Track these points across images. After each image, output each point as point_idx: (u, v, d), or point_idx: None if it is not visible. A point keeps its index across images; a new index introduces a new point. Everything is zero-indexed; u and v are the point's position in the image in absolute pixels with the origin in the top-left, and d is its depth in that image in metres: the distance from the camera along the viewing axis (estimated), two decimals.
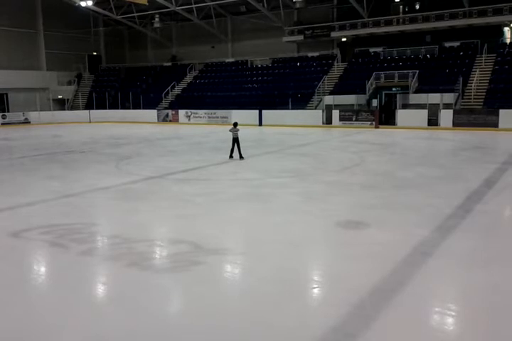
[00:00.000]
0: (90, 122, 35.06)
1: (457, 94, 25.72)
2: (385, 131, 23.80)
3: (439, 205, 8.08)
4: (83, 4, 35.75)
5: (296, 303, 4.53)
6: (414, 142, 19.18)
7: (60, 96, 39.06)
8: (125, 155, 15.46)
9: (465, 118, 23.75)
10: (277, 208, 8.22)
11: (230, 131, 13.98)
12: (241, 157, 13.81)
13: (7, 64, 35.83)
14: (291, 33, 34.62)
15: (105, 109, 36.63)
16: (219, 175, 11.72)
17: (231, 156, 13.93)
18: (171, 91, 37.00)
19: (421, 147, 18.15)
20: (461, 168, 12.32)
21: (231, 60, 38.74)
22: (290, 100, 29.62)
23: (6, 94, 35.29)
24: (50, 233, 6.77)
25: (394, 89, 27.45)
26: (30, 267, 5.76)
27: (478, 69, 27.09)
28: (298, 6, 31.38)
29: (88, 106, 38.10)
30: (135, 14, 37.86)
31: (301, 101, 29.90)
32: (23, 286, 5.05)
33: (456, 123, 23.84)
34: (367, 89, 27.82)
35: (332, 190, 9.65)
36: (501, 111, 22.82)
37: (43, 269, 5.82)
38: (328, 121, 27.51)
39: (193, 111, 32.40)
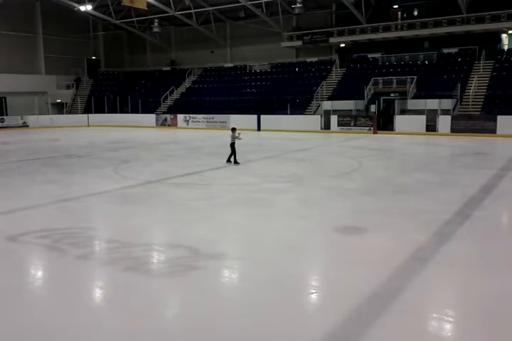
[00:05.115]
0: (89, 126, 35.05)
1: (455, 100, 25.79)
2: (383, 137, 23.84)
3: (437, 211, 8.08)
4: (82, 9, 35.89)
5: (295, 308, 4.52)
6: (412, 148, 19.21)
7: (58, 100, 39.03)
8: (123, 160, 15.45)
9: (463, 124, 23.80)
10: (275, 213, 8.21)
11: (232, 136, 13.93)
12: (236, 162, 13.80)
13: (6, 67, 35.78)
14: (290, 39, 34.73)
15: (104, 113, 36.61)
16: (217, 179, 11.71)
17: (228, 161, 13.94)
18: (170, 95, 37.01)
19: (419, 153, 18.19)
20: (459, 174, 12.34)
21: (230, 64, 38.81)
22: (289, 105, 29.64)
23: (5, 98, 35.25)
24: (48, 237, 6.75)
25: (392, 94, 27.49)
26: (27, 271, 5.74)
27: (476, 76, 27.19)
28: (297, 11, 31.45)
29: (87, 111, 38.09)
30: (134, 19, 37.89)
31: (300, 107, 29.93)
32: (19, 290, 5.03)
33: (454, 129, 23.88)
34: (365, 94, 27.87)
35: (330, 196, 9.65)
36: (499, 117, 22.89)
37: (40, 273, 5.79)
38: (326, 126, 27.55)
39: (191, 115, 32.42)
